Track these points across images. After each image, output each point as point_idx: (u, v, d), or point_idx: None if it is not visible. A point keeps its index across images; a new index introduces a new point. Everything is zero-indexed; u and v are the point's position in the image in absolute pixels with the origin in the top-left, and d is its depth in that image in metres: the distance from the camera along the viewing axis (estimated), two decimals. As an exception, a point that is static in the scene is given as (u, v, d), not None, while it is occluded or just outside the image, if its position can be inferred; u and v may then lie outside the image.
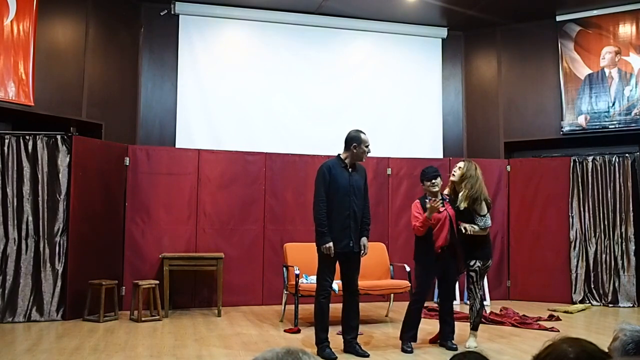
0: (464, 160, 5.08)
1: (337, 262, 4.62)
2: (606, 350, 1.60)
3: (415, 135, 8.52)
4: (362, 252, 4.65)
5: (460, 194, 4.87)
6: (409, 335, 4.75)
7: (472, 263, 4.87)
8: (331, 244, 4.46)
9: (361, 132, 4.68)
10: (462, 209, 4.81)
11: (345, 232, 4.54)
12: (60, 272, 5.92)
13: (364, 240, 4.66)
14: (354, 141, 4.63)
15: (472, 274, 4.85)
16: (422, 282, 4.82)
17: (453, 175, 4.98)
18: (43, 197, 5.95)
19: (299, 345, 4.51)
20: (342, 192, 4.55)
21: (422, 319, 5.91)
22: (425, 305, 6.37)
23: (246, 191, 7.16)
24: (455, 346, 4.73)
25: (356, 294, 4.72)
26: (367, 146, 4.65)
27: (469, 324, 5.01)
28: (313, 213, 4.61)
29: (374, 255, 6.54)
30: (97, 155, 6.39)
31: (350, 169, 4.66)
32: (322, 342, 4.53)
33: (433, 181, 4.74)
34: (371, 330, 5.57)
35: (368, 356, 4.46)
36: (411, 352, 4.64)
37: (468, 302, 5.07)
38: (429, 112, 8.67)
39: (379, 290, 5.97)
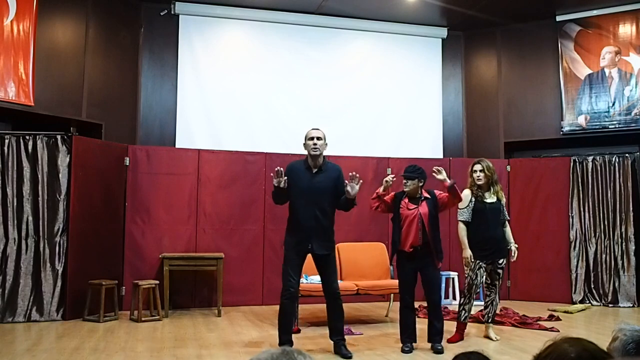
0: (478, 163, 5.22)
1: (309, 261, 4.57)
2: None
3: (415, 135, 8.53)
4: (352, 190, 4.37)
5: (489, 191, 5.14)
6: (404, 336, 4.73)
7: (501, 262, 5.11)
8: (281, 181, 4.37)
9: (313, 128, 4.59)
10: (493, 201, 5.09)
11: (307, 234, 4.43)
12: (60, 272, 5.92)
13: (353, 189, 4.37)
14: (305, 138, 4.55)
15: (500, 271, 5.11)
16: (399, 281, 4.85)
17: (479, 180, 5.12)
18: (43, 197, 5.95)
19: (298, 345, 4.51)
20: (303, 194, 4.44)
21: (423, 319, 5.94)
22: (426, 305, 6.41)
23: (246, 191, 7.16)
24: (440, 348, 4.64)
25: (337, 296, 4.58)
26: (310, 139, 4.50)
27: (486, 317, 5.21)
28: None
29: (374, 255, 6.55)
30: (97, 155, 6.39)
31: (315, 170, 4.51)
32: (283, 344, 4.42)
33: (404, 182, 4.78)
34: (371, 330, 5.56)
35: (351, 357, 4.40)
36: (409, 352, 4.61)
37: (488, 296, 5.21)
38: (429, 112, 8.67)
39: (379, 290, 5.97)
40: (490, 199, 5.11)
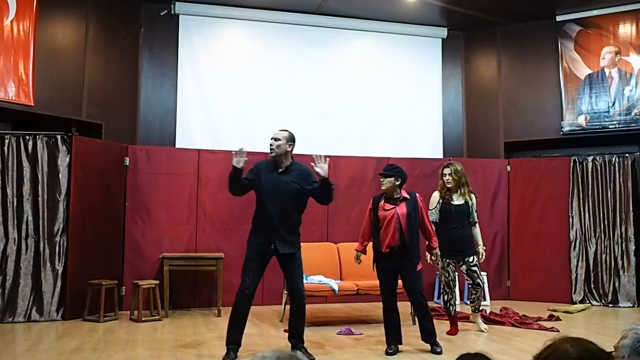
0: (447, 166, 5.46)
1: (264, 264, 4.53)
2: (612, 348, 1.60)
3: (415, 135, 8.52)
4: (322, 170, 4.31)
5: (457, 193, 5.39)
6: (388, 338, 4.65)
7: (471, 260, 5.32)
8: (240, 160, 4.28)
9: (279, 129, 4.60)
10: (460, 203, 5.34)
11: (270, 233, 4.38)
12: (60, 272, 5.92)
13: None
14: None
15: (475, 268, 5.31)
16: (379, 284, 4.77)
17: (448, 183, 5.38)
18: (43, 197, 5.94)
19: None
20: (267, 193, 4.39)
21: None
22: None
23: (246, 191, 7.15)
24: (439, 350, 4.59)
25: (301, 298, 4.47)
26: (271, 138, 4.52)
27: (472, 308, 5.47)
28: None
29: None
30: (97, 155, 6.39)
31: (280, 170, 4.45)
32: (229, 344, 4.38)
33: (380, 180, 4.76)
34: (371, 330, 5.56)
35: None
36: (393, 354, 4.54)
37: (474, 294, 5.44)
38: (429, 112, 8.67)
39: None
40: (457, 201, 5.36)
